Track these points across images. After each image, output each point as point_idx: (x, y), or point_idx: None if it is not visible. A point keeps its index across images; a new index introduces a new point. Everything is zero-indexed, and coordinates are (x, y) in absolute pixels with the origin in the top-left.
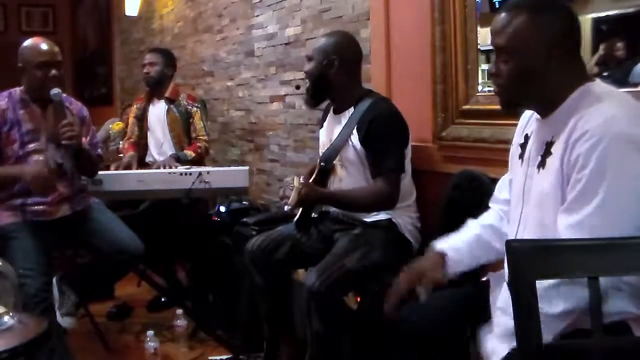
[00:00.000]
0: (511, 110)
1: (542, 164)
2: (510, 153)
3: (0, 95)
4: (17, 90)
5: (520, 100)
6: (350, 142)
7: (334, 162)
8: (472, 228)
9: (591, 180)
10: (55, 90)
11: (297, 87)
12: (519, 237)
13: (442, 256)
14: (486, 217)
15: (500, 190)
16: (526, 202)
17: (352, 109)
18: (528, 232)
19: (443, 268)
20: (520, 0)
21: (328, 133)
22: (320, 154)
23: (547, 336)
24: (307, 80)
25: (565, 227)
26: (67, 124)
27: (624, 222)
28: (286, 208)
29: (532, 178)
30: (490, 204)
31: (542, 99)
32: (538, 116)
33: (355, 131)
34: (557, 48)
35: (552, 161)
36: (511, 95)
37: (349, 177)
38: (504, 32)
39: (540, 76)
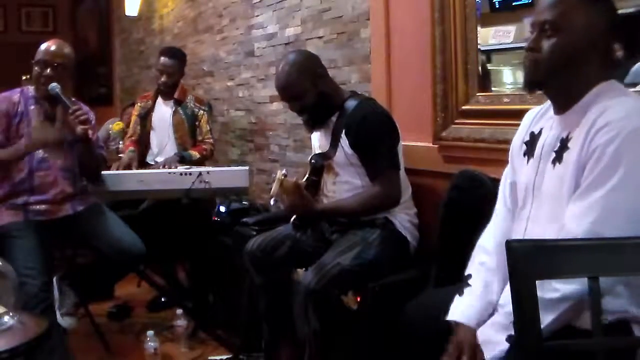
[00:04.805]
0: (533, 90)
1: (558, 159)
2: (510, 154)
3: (13, 90)
4: (30, 88)
5: (550, 80)
6: (340, 146)
7: (325, 164)
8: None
9: (603, 173)
10: (52, 84)
11: None
12: (527, 235)
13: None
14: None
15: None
16: (537, 197)
17: (337, 113)
18: (538, 229)
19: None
20: None
21: (318, 137)
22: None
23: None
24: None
25: (570, 216)
26: (77, 108)
27: (625, 217)
28: (271, 202)
29: (545, 174)
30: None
31: (568, 86)
32: (551, 113)
33: (344, 135)
34: (600, 38)
35: (570, 154)
36: (544, 71)
37: (341, 179)
38: (557, 7)
39: (579, 60)
